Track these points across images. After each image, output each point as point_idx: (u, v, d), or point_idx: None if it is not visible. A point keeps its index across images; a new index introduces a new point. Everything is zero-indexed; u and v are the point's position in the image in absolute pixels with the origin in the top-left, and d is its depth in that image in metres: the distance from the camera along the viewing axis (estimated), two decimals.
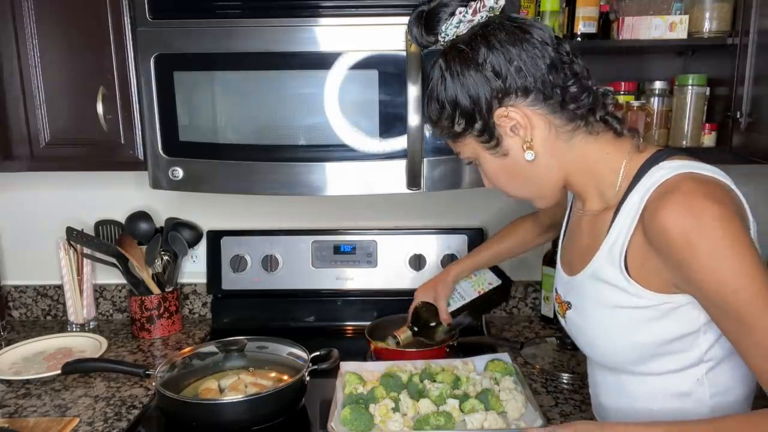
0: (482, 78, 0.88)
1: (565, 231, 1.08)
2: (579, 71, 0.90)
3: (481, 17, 0.90)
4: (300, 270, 1.81)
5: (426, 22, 0.94)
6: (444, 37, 0.93)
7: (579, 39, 1.45)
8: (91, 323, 1.85)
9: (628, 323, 0.90)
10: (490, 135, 0.91)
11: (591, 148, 0.92)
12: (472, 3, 0.90)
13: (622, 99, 1.49)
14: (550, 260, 1.78)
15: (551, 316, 1.79)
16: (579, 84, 0.89)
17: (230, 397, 1.31)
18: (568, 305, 1.00)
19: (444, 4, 0.92)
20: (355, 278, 1.81)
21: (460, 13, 0.91)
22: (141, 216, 1.81)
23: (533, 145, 0.90)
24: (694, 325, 0.88)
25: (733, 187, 0.86)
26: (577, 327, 1.00)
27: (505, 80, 0.87)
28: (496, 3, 0.91)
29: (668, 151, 0.91)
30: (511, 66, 0.87)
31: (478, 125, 0.91)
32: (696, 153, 0.96)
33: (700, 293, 0.82)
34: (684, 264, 0.80)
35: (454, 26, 0.91)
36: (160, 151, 1.40)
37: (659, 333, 0.88)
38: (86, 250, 1.81)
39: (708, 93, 1.48)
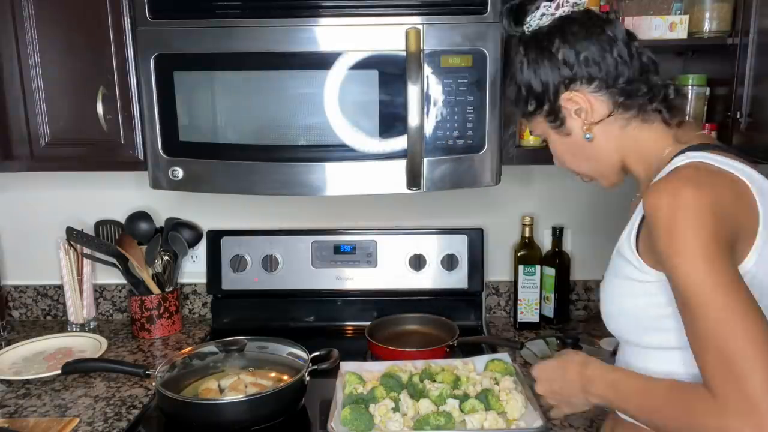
0: (554, 66, 0.98)
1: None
2: (646, 63, 0.98)
3: (564, 11, 1.00)
4: (300, 270, 1.81)
5: (516, 15, 1.04)
6: (528, 28, 1.03)
7: None
8: (91, 323, 1.85)
9: (628, 292, 0.97)
10: (555, 116, 1.02)
11: (642, 135, 0.99)
12: None
13: None
14: (549, 260, 1.78)
15: (551, 315, 1.79)
16: (642, 76, 0.98)
17: (230, 397, 1.31)
18: (603, 278, 1.07)
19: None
20: (355, 278, 1.81)
21: (545, 6, 1.01)
22: (141, 216, 1.81)
23: (592, 127, 1.00)
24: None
25: (751, 186, 0.87)
26: (601, 298, 1.06)
27: (572, 69, 0.97)
28: (580, 0, 1.02)
29: (712, 145, 0.95)
30: (580, 57, 0.97)
31: (546, 107, 1.01)
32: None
33: (665, 272, 0.87)
34: (655, 241, 0.86)
35: (538, 18, 1.01)
36: (160, 151, 1.40)
37: (653, 307, 0.93)
38: (86, 250, 1.81)
39: (708, 93, 1.48)
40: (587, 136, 1.01)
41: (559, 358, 1.08)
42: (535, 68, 1.01)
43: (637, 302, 0.96)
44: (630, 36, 1.00)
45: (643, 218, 0.92)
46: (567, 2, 1.01)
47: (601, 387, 0.99)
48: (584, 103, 0.98)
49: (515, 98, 1.07)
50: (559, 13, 1.01)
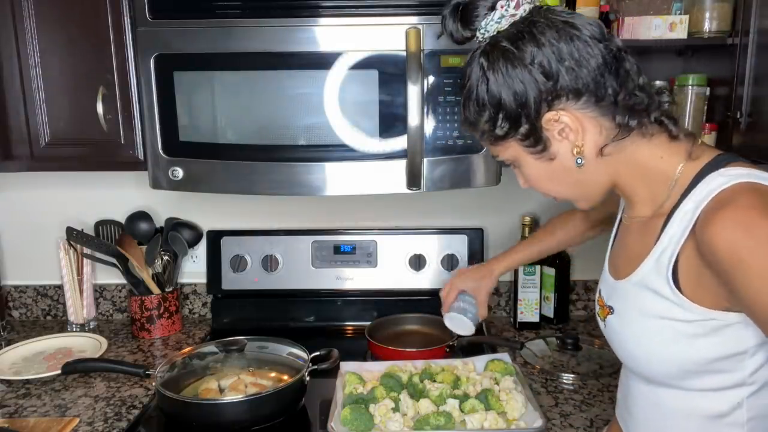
0: (530, 79, 0.82)
1: (615, 234, 1.03)
2: (630, 68, 0.84)
3: (524, 11, 0.84)
4: (300, 270, 1.81)
5: (463, 15, 0.87)
6: (483, 33, 0.86)
7: None
8: (91, 323, 1.85)
9: (669, 336, 0.85)
10: (536, 139, 0.86)
11: (643, 152, 0.86)
12: None
13: None
14: (549, 260, 1.78)
15: (551, 315, 1.79)
16: (631, 83, 0.83)
17: (230, 397, 1.31)
18: (611, 310, 0.96)
19: None
20: (355, 278, 1.81)
21: (502, 7, 0.84)
22: (141, 216, 1.81)
23: (583, 149, 0.85)
24: (742, 346, 0.83)
25: None
26: (616, 333, 0.95)
27: (556, 82, 0.81)
28: None
29: (729, 156, 0.84)
30: (562, 66, 0.81)
31: (523, 129, 0.85)
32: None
33: (752, 315, 0.77)
34: (734, 283, 0.75)
35: (496, 21, 0.84)
36: (160, 151, 1.40)
37: (703, 350, 0.83)
38: (86, 250, 1.81)
39: (708, 93, 1.48)
40: (579, 161, 0.85)
41: None
42: (506, 82, 0.83)
43: (681, 346, 0.84)
44: (610, 36, 0.84)
45: (680, 250, 0.82)
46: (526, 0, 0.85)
47: None
48: (573, 123, 0.83)
49: (475, 119, 0.89)
50: (520, 12, 0.84)
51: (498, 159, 0.94)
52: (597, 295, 1.03)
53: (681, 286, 0.82)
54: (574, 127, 0.83)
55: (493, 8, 0.85)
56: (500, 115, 0.85)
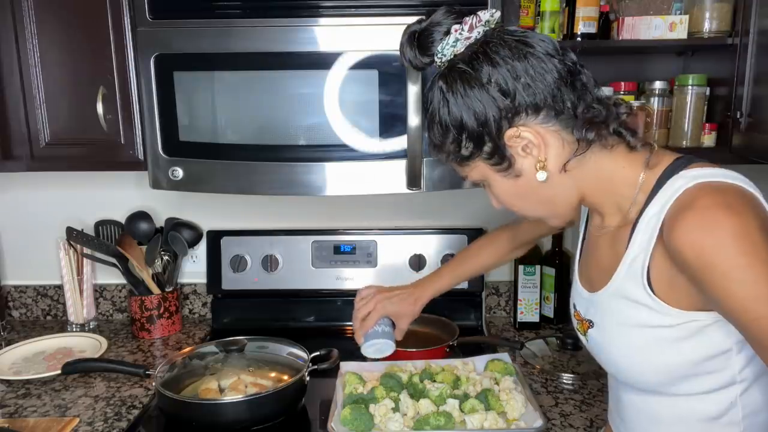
0: (488, 98, 0.83)
1: (581, 248, 1.04)
2: (587, 81, 0.86)
3: (478, 33, 0.86)
4: (300, 270, 1.81)
5: (419, 42, 0.89)
6: (441, 57, 0.88)
7: (579, 39, 1.45)
8: (91, 323, 1.85)
9: (654, 343, 0.85)
10: (501, 157, 0.87)
11: (605, 163, 0.87)
12: (467, 19, 0.86)
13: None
14: (549, 260, 1.78)
15: (551, 315, 1.79)
16: (589, 95, 0.85)
17: (230, 397, 1.31)
18: (590, 324, 0.96)
19: (437, 22, 0.88)
20: (355, 278, 1.81)
21: (456, 30, 0.86)
22: (141, 216, 1.81)
23: (547, 164, 0.86)
24: (726, 344, 0.83)
25: (760, 196, 0.80)
26: (599, 346, 0.95)
27: (513, 99, 0.83)
28: (492, 16, 0.87)
29: (688, 158, 0.86)
30: (518, 83, 0.82)
31: (487, 147, 0.87)
32: (698, 154, 0.93)
33: (725, 314, 0.77)
34: (703, 284, 0.76)
35: (451, 45, 0.86)
36: (160, 151, 1.40)
37: (689, 353, 0.84)
38: (86, 250, 1.81)
39: (708, 93, 1.48)
40: (541, 176, 0.86)
41: None
42: (466, 103, 0.84)
43: (667, 352, 0.85)
44: (563, 50, 0.85)
45: (651, 256, 0.83)
46: (479, 21, 0.86)
47: None
48: (535, 138, 0.84)
49: (441, 142, 0.90)
50: (474, 35, 0.86)
51: (468, 180, 0.95)
52: (572, 309, 1.03)
53: (656, 290, 0.83)
54: (536, 142, 0.84)
55: (448, 33, 0.86)
56: (464, 136, 0.87)
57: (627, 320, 0.87)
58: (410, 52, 0.91)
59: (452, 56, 0.87)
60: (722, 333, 0.82)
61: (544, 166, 0.86)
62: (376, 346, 1.35)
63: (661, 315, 0.83)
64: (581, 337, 1.00)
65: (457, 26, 0.86)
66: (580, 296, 1.00)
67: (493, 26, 0.88)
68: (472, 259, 1.42)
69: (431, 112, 0.90)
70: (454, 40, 0.86)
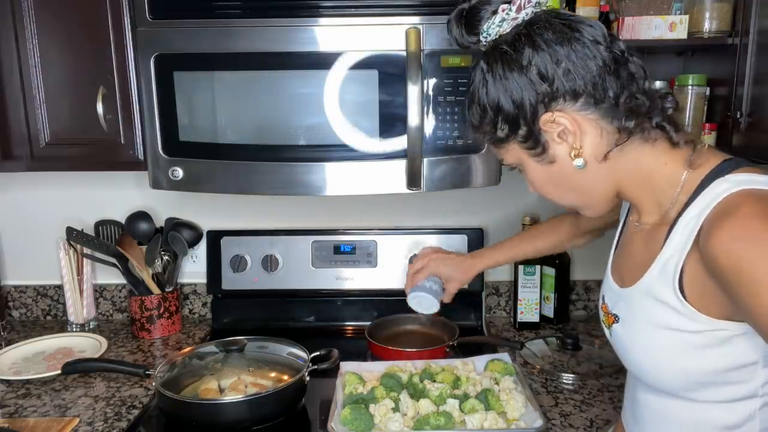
0: (526, 81, 0.82)
1: (617, 242, 1.02)
2: (634, 71, 0.83)
3: (526, 14, 0.84)
4: (300, 270, 1.81)
5: (467, 20, 0.88)
6: (486, 37, 0.86)
7: None
8: (91, 323, 1.85)
9: (678, 347, 0.83)
10: (535, 141, 0.86)
11: (646, 157, 0.85)
12: (516, 0, 0.84)
13: None
14: (549, 260, 1.78)
15: (551, 315, 1.79)
16: (634, 86, 0.82)
17: (230, 397, 1.31)
18: (616, 318, 0.94)
19: (486, 1, 0.86)
20: (355, 278, 1.81)
21: (504, 10, 0.84)
22: (141, 216, 1.81)
23: (582, 152, 0.84)
24: (752, 357, 0.81)
25: None
26: (622, 342, 0.93)
27: (552, 83, 0.81)
28: None
29: (737, 161, 0.83)
30: (559, 68, 0.81)
31: (522, 131, 0.85)
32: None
33: (755, 326, 0.75)
34: (736, 293, 0.74)
35: (497, 25, 0.85)
36: (160, 151, 1.40)
37: (712, 361, 0.82)
38: (86, 250, 1.81)
39: (708, 93, 1.48)
40: (578, 163, 0.84)
41: None
42: (504, 85, 0.84)
43: (690, 357, 0.83)
44: (612, 38, 0.83)
45: (685, 259, 0.80)
46: (529, 2, 0.84)
47: None
48: (570, 125, 0.82)
49: (479, 122, 0.90)
50: (522, 16, 0.84)
51: (504, 163, 0.95)
52: (600, 301, 1.01)
53: (687, 295, 0.81)
54: (572, 129, 0.83)
55: (495, 12, 0.85)
56: (500, 118, 0.86)
57: (653, 320, 0.86)
58: (457, 30, 0.89)
59: (497, 36, 0.85)
60: (749, 345, 0.80)
61: (579, 153, 0.84)
62: (420, 299, 1.40)
63: (688, 320, 0.81)
64: (605, 330, 0.99)
65: (505, 6, 0.84)
66: (610, 289, 0.98)
67: (543, 8, 0.86)
68: (530, 240, 1.43)
69: (471, 91, 0.89)
70: (501, 20, 0.85)
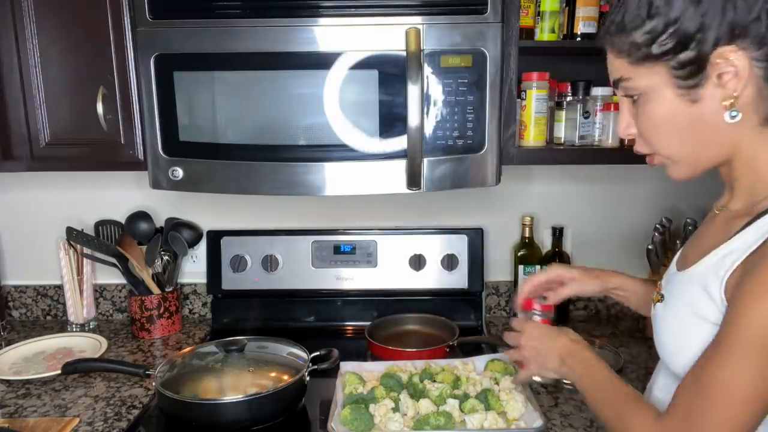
0: (731, 5, 0.72)
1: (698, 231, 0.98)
2: None
3: None
4: (300, 270, 1.81)
5: None
6: None
7: (579, 39, 1.45)
8: (91, 323, 1.85)
9: (706, 339, 0.79)
10: (693, 72, 0.75)
11: (765, 140, 0.78)
12: None
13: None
14: (549, 260, 1.78)
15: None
16: None
17: (230, 397, 1.31)
18: (661, 298, 0.92)
19: None
20: (355, 278, 1.81)
21: None
22: (141, 216, 1.81)
23: (737, 104, 0.74)
24: None
25: None
26: (658, 322, 0.91)
27: (756, 19, 0.72)
28: None
29: None
30: (764, 6, 0.71)
31: (684, 55, 0.74)
32: None
33: (733, 308, 0.74)
34: (726, 322, 0.75)
35: None
36: (160, 151, 1.40)
37: None
38: (86, 250, 1.81)
39: None
40: (733, 113, 0.74)
41: (554, 328, 1.08)
42: (696, 2, 0.72)
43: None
44: None
45: (744, 258, 0.76)
46: None
47: (579, 365, 0.99)
48: (743, 69, 0.72)
49: (635, 26, 0.77)
50: None
51: (624, 85, 0.83)
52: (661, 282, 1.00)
53: (727, 293, 0.78)
54: (742, 74, 0.73)
55: None
56: (669, 31, 0.75)
57: (692, 307, 0.82)
58: None
59: None
60: None
61: (734, 104, 0.74)
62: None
63: (720, 314, 0.78)
64: (652, 309, 0.97)
65: None
66: (668, 270, 0.96)
67: None
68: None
69: None
70: None
